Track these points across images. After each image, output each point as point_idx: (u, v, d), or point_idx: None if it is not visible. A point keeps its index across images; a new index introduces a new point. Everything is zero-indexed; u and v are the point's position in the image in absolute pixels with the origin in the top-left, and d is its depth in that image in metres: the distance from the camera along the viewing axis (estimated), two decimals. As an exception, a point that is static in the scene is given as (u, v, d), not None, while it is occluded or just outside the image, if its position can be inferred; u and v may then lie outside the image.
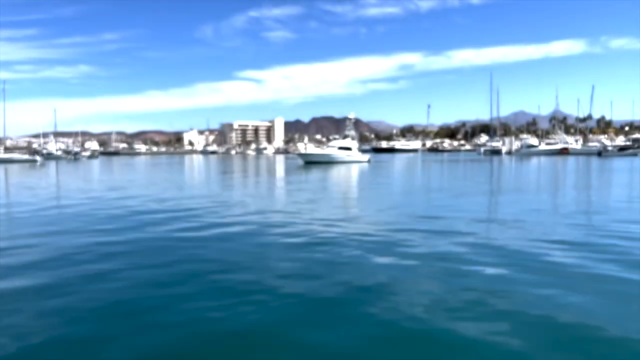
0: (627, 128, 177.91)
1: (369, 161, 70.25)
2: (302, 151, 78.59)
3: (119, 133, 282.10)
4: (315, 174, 42.54)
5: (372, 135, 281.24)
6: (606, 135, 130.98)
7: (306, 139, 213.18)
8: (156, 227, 13.71)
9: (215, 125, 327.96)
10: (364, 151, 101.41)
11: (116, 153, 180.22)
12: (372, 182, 33.11)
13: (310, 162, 66.10)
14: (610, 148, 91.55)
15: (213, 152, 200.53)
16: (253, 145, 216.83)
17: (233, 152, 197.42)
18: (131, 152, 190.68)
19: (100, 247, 10.93)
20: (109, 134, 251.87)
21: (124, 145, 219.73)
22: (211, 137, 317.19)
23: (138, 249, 10.92)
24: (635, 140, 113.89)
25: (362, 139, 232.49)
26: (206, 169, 59.44)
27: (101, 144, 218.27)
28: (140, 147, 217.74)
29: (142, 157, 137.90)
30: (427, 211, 16.78)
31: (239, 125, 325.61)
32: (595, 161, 63.51)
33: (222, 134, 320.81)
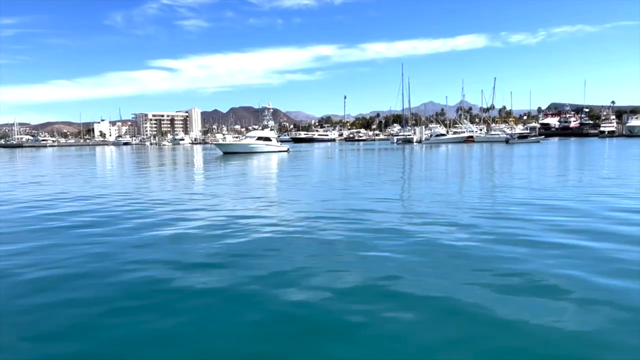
0: (525, 117, 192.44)
1: (288, 151, 70.98)
2: (221, 142, 77.70)
3: (21, 124, 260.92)
4: (234, 164, 42.61)
5: (291, 126, 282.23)
6: (507, 124, 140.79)
7: (225, 129, 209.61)
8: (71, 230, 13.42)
9: (128, 115, 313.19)
10: (283, 141, 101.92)
11: (19, 146, 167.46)
12: (292, 171, 33.84)
13: (229, 152, 65.73)
14: (515, 136, 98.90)
15: (126, 144, 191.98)
16: (169, 136, 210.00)
17: (148, 143, 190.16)
18: (36, 145, 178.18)
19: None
20: (10, 125, 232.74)
21: (29, 137, 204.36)
22: (124, 128, 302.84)
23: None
24: (532, 129, 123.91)
25: (282, 129, 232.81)
26: (119, 160, 57.26)
27: (1, 136, 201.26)
28: (47, 139, 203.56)
29: (49, 150, 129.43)
30: (344, 199, 17.75)
31: (154, 116, 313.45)
32: (501, 148, 68.45)
33: (135, 125, 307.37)
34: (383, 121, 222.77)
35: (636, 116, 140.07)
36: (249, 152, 65.06)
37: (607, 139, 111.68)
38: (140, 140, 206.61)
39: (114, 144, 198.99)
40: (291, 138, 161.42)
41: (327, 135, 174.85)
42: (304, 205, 15.63)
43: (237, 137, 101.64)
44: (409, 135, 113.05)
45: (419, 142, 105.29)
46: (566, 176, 25.22)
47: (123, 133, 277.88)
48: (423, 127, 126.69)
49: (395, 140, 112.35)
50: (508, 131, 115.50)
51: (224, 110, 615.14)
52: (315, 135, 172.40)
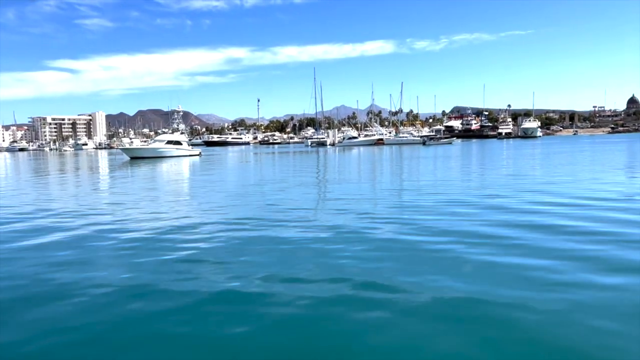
0: (431, 120, 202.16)
1: (200, 155, 69.11)
2: (127, 146, 74.00)
3: None
4: (141, 170, 40.59)
5: (204, 129, 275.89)
6: (414, 127, 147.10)
7: (132, 133, 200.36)
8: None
9: (24, 119, 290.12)
10: (195, 145, 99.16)
11: None
12: (205, 176, 32.81)
13: (137, 157, 62.69)
14: (431, 138, 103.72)
15: (22, 149, 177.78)
16: (71, 141, 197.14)
17: (47, 148, 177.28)
18: None
19: None
20: None
21: None
22: (20, 133, 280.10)
23: None
24: (437, 131, 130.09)
25: (193, 133, 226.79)
26: (15, 168, 52.55)
27: None
28: None
29: None
30: (260, 204, 17.33)
31: (54, 120, 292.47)
32: (412, 150, 71.05)
33: (33, 129, 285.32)
34: (297, 124, 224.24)
35: (529, 119, 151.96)
36: (158, 157, 62.45)
37: (504, 139, 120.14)
38: (39, 146, 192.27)
39: (8, 149, 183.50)
40: (203, 142, 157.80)
41: (241, 138, 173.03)
42: (217, 212, 15.00)
43: (145, 142, 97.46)
44: (322, 138, 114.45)
45: (333, 145, 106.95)
46: (483, 173, 26.57)
47: (18, 138, 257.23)
48: (336, 130, 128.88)
49: (309, 144, 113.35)
50: (415, 134, 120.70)
51: (131, 113, 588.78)
52: (229, 138, 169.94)
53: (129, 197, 19.75)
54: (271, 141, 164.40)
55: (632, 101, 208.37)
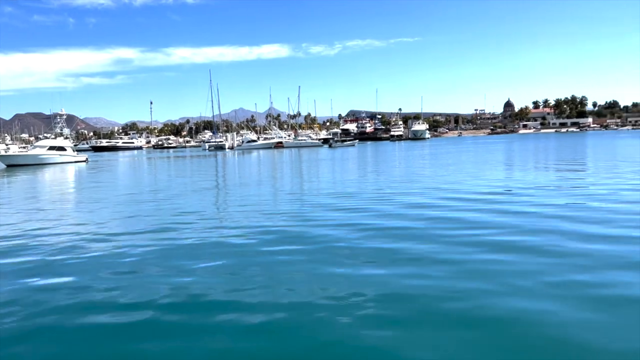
0: (328, 123, 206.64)
1: (86, 161, 64.60)
2: (3, 153, 67.18)
3: None
4: (19, 179, 36.96)
5: (91, 133, 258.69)
6: (313, 130, 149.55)
7: (8, 138, 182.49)
8: None
9: None
10: (81, 150, 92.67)
11: None
12: (91, 184, 30.62)
13: (14, 165, 57.06)
14: (337, 140, 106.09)
15: None
16: None
17: None
18: None
19: None
20: None
21: None
22: None
23: None
24: (334, 134, 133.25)
25: (80, 137, 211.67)
26: None
27: None
28: None
29: None
30: (153, 213, 16.45)
31: None
32: (313, 152, 71.83)
33: None
34: (194, 127, 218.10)
35: (419, 122, 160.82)
36: (39, 164, 57.34)
37: (397, 141, 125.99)
38: None
39: None
40: (91, 147, 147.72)
41: (133, 142, 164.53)
42: (103, 224, 13.95)
43: (24, 147, 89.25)
44: (220, 141, 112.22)
45: (231, 148, 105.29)
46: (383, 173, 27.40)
47: None
48: (235, 133, 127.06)
49: (207, 147, 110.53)
50: (314, 137, 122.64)
51: (8, 117, 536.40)
52: (119, 143, 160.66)
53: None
54: (166, 145, 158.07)
55: (508, 105, 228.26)
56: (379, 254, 9.03)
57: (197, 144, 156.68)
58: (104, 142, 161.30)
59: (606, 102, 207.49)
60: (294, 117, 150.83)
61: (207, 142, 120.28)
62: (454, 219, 12.24)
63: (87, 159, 67.11)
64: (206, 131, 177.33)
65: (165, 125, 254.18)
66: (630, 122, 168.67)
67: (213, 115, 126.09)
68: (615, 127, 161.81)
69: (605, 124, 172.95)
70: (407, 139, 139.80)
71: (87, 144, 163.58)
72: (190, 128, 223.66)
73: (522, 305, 6.23)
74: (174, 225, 12.79)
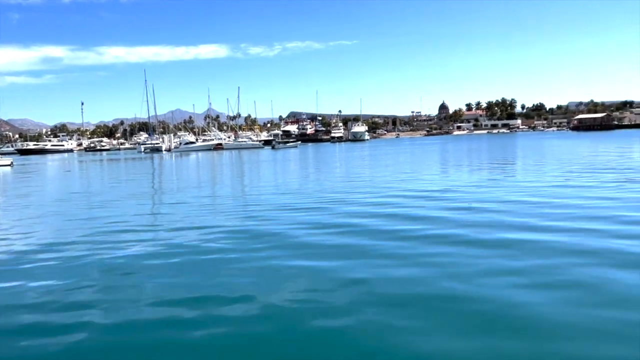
0: (269, 125, 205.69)
1: (11, 165, 60.85)
2: None
3: None
4: None
5: (16, 135, 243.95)
6: (253, 132, 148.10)
7: None
8: None
9: None
10: (4, 154, 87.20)
11: None
12: (16, 190, 28.82)
13: None
14: (280, 142, 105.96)
15: None
16: None
17: None
18: None
19: None
20: None
21: None
22: None
23: None
24: (275, 135, 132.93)
25: (4, 140, 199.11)
26: None
27: None
28: None
29: None
30: (85, 222, 15.65)
31: None
32: (254, 154, 71.01)
33: None
34: (128, 129, 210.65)
35: (358, 123, 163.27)
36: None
37: (337, 143, 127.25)
38: None
39: None
40: (16, 150, 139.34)
41: (63, 145, 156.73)
42: (33, 234, 13.10)
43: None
44: (157, 143, 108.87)
45: (169, 150, 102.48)
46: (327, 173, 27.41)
47: None
48: (172, 135, 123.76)
49: (143, 149, 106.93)
50: (255, 138, 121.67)
51: None
52: (48, 145, 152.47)
53: None
54: (99, 148, 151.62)
55: (442, 107, 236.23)
56: (327, 249, 9.39)
57: (132, 146, 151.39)
58: (31, 145, 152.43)
59: (533, 105, 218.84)
60: (233, 118, 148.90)
61: (142, 144, 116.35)
62: (395, 216, 12.64)
63: (12, 162, 63.26)
64: (142, 133, 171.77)
65: (98, 127, 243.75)
66: (555, 123, 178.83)
67: (149, 117, 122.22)
68: (542, 128, 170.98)
69: (533, 125, 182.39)
70: (348, 140, 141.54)
71: (12, 146, 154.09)
72: (125, 130, 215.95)
73: (458, 287, 6.96)
74: (107, 233, 12.19)
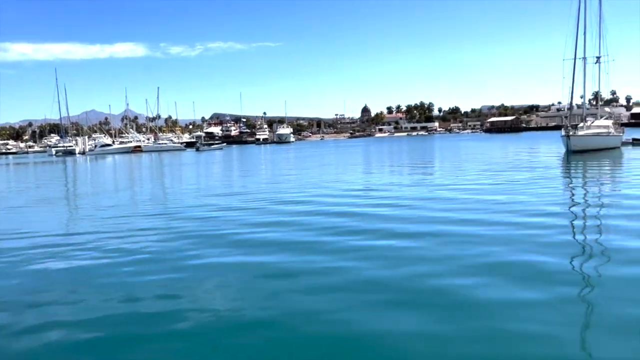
0: (191, 126, 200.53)
1: None
2: None
3: None
4: None
5: None
6: (174, 134, 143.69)
7: None
8: None
9: None
10: None
11: None
12: None
13: None
14: (205, 144, 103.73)
15: None
16: None
17: None
18: None
19: None
20: None
21: None
22: None
23: None
24: (198, 137, 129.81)
25: None
26: None
27: None
28: None
29: None
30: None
31: None
32: (176, 157, 68.64)
33: None
34: (37, 131, 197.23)
35: (283, 125, 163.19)
36: None
37: (262, 145, 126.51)
38: None
39: None
40: None
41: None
42: None
43: None
44: (70, 146, 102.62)
45: (83, 153, 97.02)
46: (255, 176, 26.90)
47: None
48: (86, 137, 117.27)
49: (54, 153, 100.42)
50: (176, 140, 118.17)
51: None
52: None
53: None
54: (4, 151, 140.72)
55: (365, 110, 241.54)
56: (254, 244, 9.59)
57: (42, 149, 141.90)
58: None
59: (450, 108, 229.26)
60: (153, 119, 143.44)
61: (54, 147, 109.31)
62: (323, 213, 12.90)
63: None
64: (53, 135, 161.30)
65: (3, 128, 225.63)
66: (469, 126, 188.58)
67: (60, 118, 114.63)
68: (458, 131, 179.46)
69: (449, 127, 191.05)
70: (273, 142, 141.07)
71: None
72: (34, 132, 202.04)
73: (380, 273, 7.58)
74: (11, 242, 11.21)
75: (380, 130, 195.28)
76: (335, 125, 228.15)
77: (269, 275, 7.68)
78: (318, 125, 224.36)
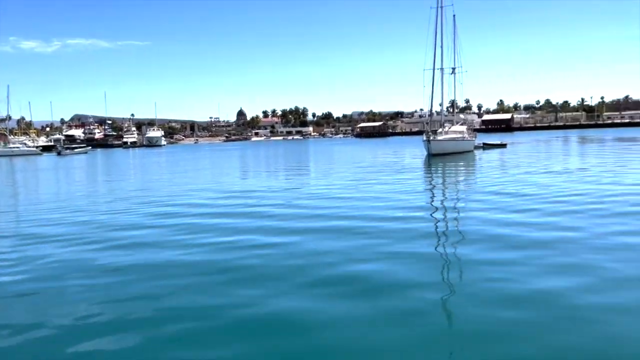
0: (48, 128, 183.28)
1: None
2: None
3: None
4: None
5: None
6: (28, 136, 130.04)
7: None
8: None
9: None
10: None
11: None
12: None
13: None
14: (68, 148, 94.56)
15: None
16: None
17: None
18: None
19: None
20: None
21: None
22: None
23: None
24: (57, 140, 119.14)
25: None
26: None
27: None
28: None
29: None
30: None
31: None
32: (30, 162, 61.96)
33: None
34: None
35: (153, 128, 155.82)
36: None
37: (131, 149, 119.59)
38: None
39: None
40: None
41: None
42: None
43: None
44: None
45: None
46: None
47: None
48: None
49: None
50: (30, 143, 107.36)
51: None
52: None
53: None
54: None
55: (240, 113, 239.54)
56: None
57: None
58: None
59: (323, 114, 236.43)
60: (2, 121, 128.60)
61: None
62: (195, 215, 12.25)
63: None
64: None
65: None
66: (341, 130, 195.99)
67: None
68: (330, 135, 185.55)
69: (323, 132, 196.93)
70: (143, 145, 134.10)
71: None
72: None
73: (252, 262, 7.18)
74: None
75: (257, 134, 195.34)
76: (210, 129, 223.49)
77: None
78: (192, 128, 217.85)
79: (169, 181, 26.80)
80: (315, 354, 5.06)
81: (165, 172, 34.49)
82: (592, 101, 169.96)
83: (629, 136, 64.99)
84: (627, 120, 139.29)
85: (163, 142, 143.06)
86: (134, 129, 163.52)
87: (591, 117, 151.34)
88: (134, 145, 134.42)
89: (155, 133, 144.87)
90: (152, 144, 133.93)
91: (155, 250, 9.58)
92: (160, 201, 17.24)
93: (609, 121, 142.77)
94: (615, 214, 11.34)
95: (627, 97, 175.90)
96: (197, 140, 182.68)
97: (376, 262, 8.23)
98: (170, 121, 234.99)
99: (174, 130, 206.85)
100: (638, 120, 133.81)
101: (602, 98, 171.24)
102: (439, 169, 28.09)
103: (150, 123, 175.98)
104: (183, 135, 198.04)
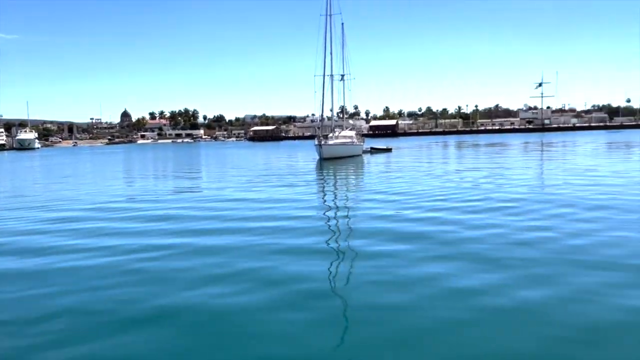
0: None
1: None
2: None
3: None
4: None
5: None
6: None
7: None
8: None
9: None
10: None
11: None
12: None
13: None
14: None
15: None
16: None
17: None
18: None
19: None
20: None
21: None
22: None
23: None
24: None
25: None
26: None
27: None
28: None
29: None
30: None
31: None
32: None
33: None
34: None
35: (25, 129, 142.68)
36: None
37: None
38: None
39: None
40: None
41: None
42: None
43: None
44: None
45: None
46: None
47: None
48: None
49: None
50: None
51: None
52: None
53: None
54: None
55: (125, 115, 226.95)
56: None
57: None
58: None
59: (214, 116, 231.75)
60: None
61: None
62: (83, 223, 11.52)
63: None
64: None
65: None
66: (234, 134, 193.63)
67: None
68: (223, 139, 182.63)
69: (214, 135, 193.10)
70: (13, 149, 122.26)
71: None
72: None
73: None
74: None
75: (143, 136, 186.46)
76: (91, 131, 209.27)
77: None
78: (70, 130, 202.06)
79: (45, 187, 24.80)
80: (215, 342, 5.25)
81: (39, 178, 31.79)
82: (468, 109, 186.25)
83: (499, 141, 72.16)
84: (497, 127, 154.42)
85: (37, 145, 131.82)
86: (2, 130, 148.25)
87: (467, 124, 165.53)
88: (2, 148, 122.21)
89: (27, 135, 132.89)
90: (23, 147, 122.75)
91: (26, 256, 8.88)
92: (35, 207, 15.99)
93: (482, 127, 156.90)
94: (485, 210, 12.60)
95: (497, 105, 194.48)
96: (76, 143, 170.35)
97: (271, 258, 8.42)
98: (45, 122, 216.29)
99: (49, 132, 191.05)
100: (507, 127, 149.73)
101: (476, 106, 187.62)
102: (331, 171, 28.96)
103: (22, 124, 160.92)
104: (60, 138, 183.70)
